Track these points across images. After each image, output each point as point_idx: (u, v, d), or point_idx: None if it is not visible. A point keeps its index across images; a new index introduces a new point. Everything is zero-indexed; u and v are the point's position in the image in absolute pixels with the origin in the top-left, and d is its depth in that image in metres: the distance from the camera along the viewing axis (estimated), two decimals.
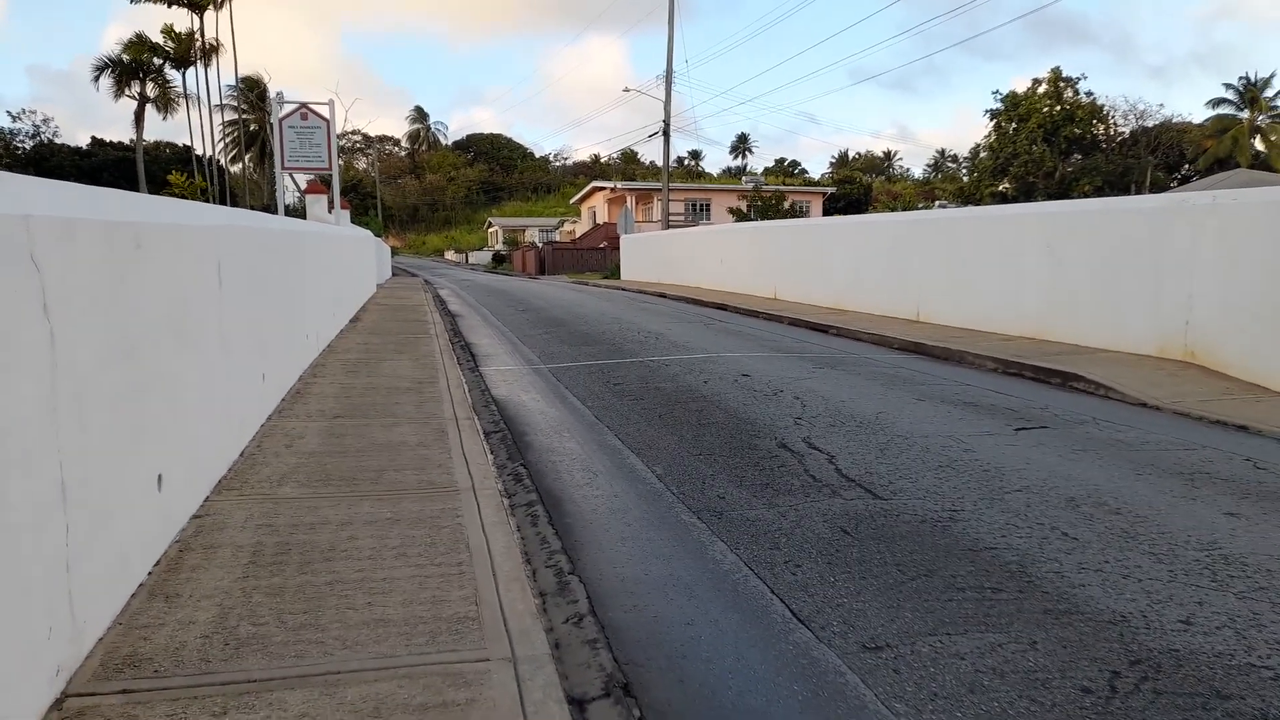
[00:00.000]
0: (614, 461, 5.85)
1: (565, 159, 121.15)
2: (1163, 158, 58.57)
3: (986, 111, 60.17)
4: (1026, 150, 57.32)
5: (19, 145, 63.92)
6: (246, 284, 5.77)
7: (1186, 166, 57.84)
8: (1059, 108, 57.16)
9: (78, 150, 67.05)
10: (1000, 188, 60.26)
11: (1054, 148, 57.35)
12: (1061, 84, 57.84)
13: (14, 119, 66.80)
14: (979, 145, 65.05)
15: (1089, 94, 58.17)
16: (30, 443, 2.47)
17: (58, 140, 67.74)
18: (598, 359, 10.72)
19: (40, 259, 2.58)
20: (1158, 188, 52.99)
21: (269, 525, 4.16)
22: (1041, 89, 57.86)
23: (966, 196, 63.11)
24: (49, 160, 60.25)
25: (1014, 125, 58.63)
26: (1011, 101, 58.77)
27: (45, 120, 72.89)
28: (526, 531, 4.39)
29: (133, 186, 46.80)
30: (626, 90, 40.33)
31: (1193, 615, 3.34)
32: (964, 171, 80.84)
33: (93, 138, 70.23)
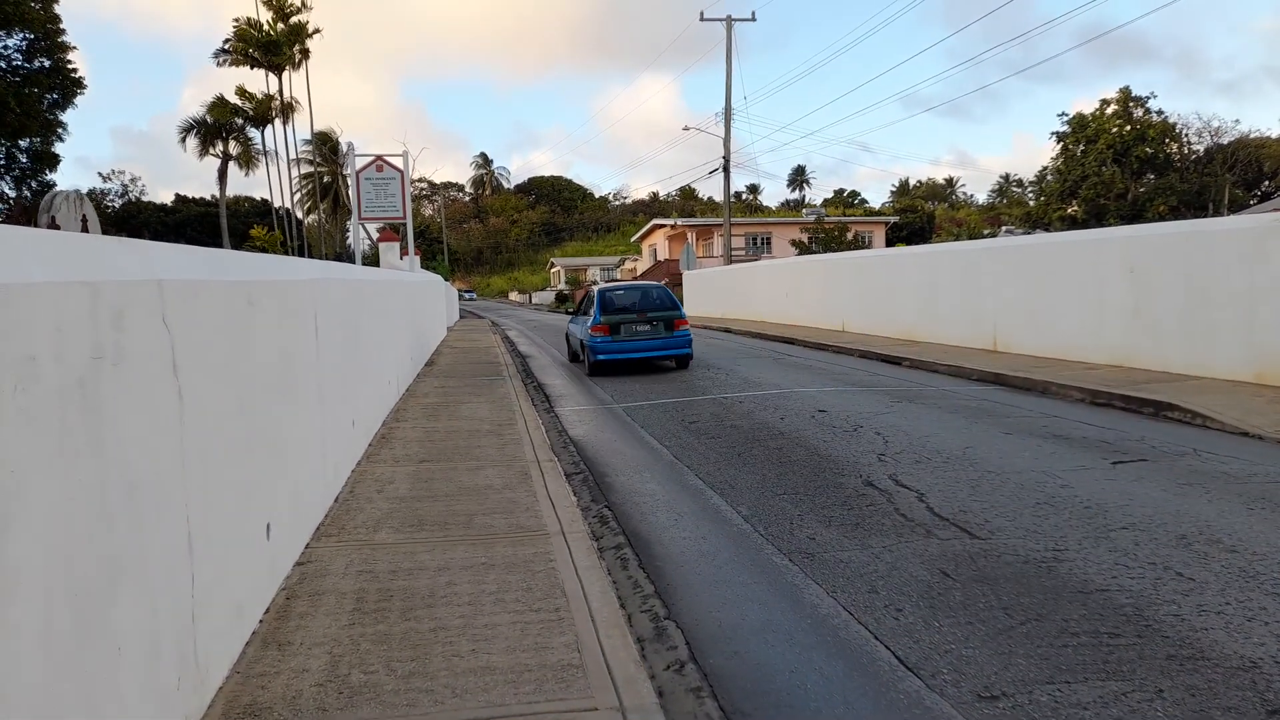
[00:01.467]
0: (697, 502, 5.83)
1: (624, 198, 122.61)
2: (1240, 174, 56.51)
3: (1052, 134, 58.92)
4: (1096, 172, 55.92)
5: (109, 204, 67.47)
6: (339, 334, 5.96)
7: (1266, 183, 55.68)
8: (1129, 128, 55.73)
9: (162, 207, 70.38)
10: (1069, 211, 58.83)
11: (1125, 168, 55.85)
12: (1131, 103, 56.46)
13: (104, 179, 70.68)
14: (1045, 169, 63.75)
15: (1159, 112, 56.63)
16: (164, 497, 2.58)
17: (144, 198, 71.33)
18: (669, 397, 10.73)
19: (170, 320, 2.71)
20: (1236, 206, 51.08)
21: (369, 571, 4.24)
22: (1110, 109, 56.54)
23: (1034, 221, 61.72)
24: (136, 217, 63.36)
25: (1082, 147, 57.34)
26: (1079, 123, 57.51)
27: (133, 180, 76.96)
28: (618, 575, 4.39)
29: (215, 240, 48.90)
30: (686, 129, 40.89)
31: None
32: (1030, 195, 79.22)
33: (176, 194, 73.74)
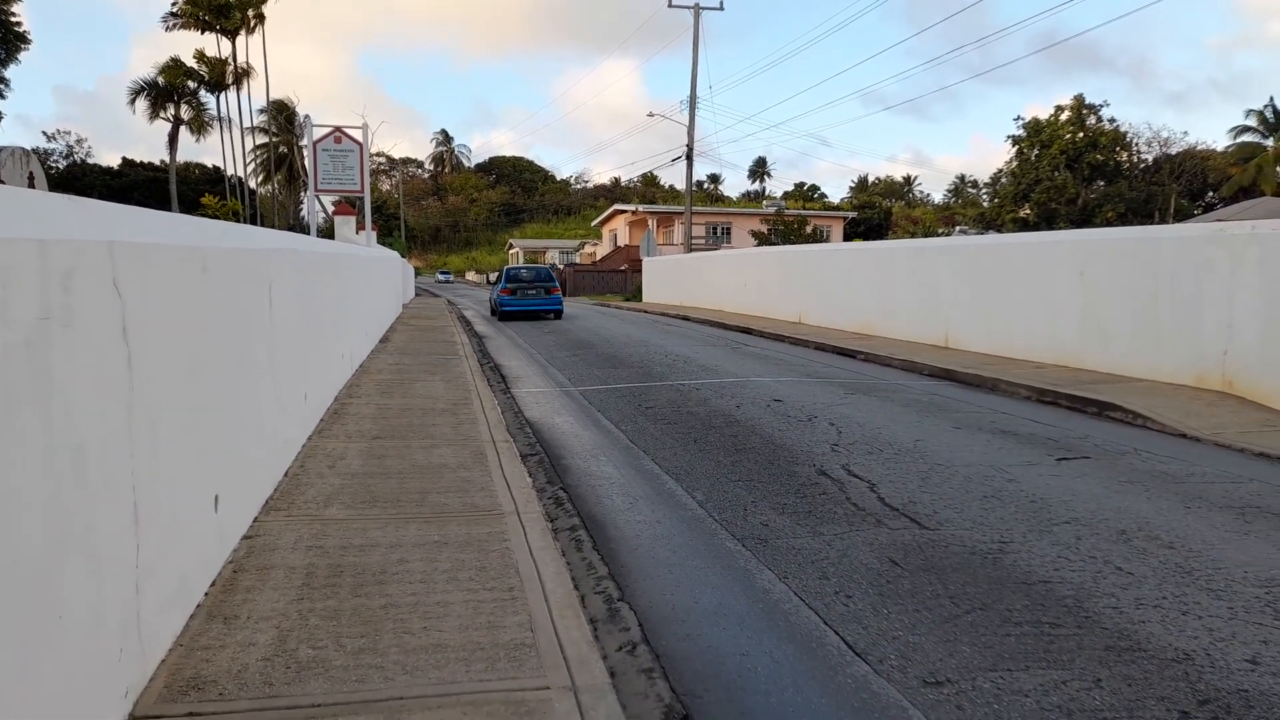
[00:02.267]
0: (653, 487, 5.84)
1: (586, 182, 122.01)
2: (1186, 185, 58.17)
3: (1008, 137, 59.96)
4: (1049, 176, 57.10)
5: (53, 165, 65.16)
6: (293, 305, 5.84)
7: (1210, 194, 57.36)
8: (1082, 134, 56.98)
9: (108, 170, 68.23)
10: (1022, 214, 60.02)
11: (1077, 174, 57.10)
12: (1085, 110, 57.71)
13: (49, 139, 68.28)
14: (1000, 171, 64.89)
15: (1112, 121, 57.98)
16: (111, 464, 2.51)
17: (90, 160, 69.08)
18: (627, 382, 10.73)
19: (122, 283, 2.63)
20: (1181, 215, 52.59)
21: (319, 547, 4.18)
22: (1064, 116, 57.71)
23: (988, 222, 62.88)
24: (81, 180, 61.34)
25: (1036, 151, 58.48)
26: (1034, 128, 58.62)
27: (79, 141, 74.45)
28: (573, 557, 4.38)
29: (164, 207, 47.53)
30: (651, 115, 40.67)
31: (1258, 654, 3.28)
32: (985, 197, 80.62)
33: (123, 158, 71.49)
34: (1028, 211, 60.33)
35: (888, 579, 4.08)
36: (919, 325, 14.85)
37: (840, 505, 5.27)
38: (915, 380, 10.95)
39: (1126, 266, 10.47)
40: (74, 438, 2.23)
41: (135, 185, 61.78)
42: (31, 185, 3.58)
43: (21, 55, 35.43)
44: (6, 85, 35.54)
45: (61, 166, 65.40)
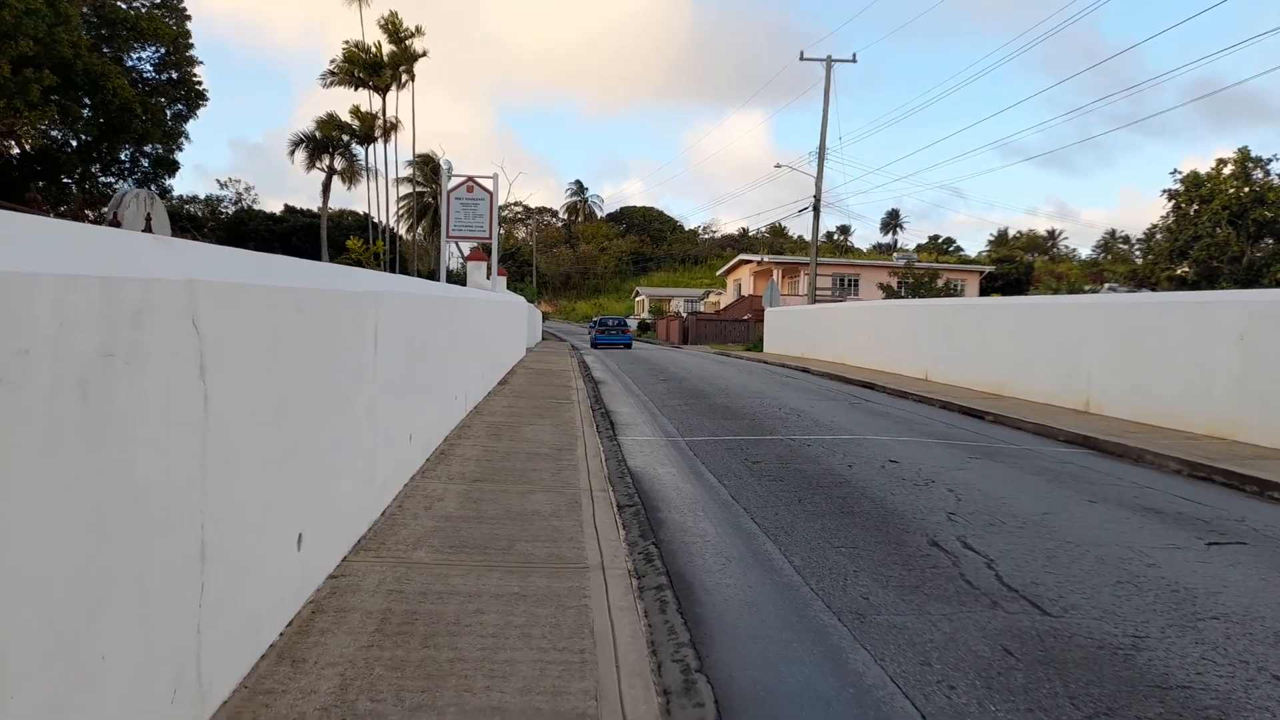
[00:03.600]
0: (749, 547, 5.57)
1: (713, 232, 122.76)
2: None
3: (1164, 191, 56.40)
4: (1209, 232, 53.23)
5: (224, 210, 71.07)
6: (402, 347, 5.95)
7: None
8: (1247, 189, 52.97)
9: (271, 216, 73.84)
10: (1179, 271, 56.11)
11: (1241, 231, 53.01)
12: (1249, 164, 53.69)
13: (221, 186, 74.64)
14: (1155, 226, 61.06)
15: None
16: (175, 503, 2.52)
17: (255, 207, 75.00)
18: (737, 434, 10.46)
19: (201, 323, 2.67)
20: None
21: (399, 592, 4.14)
22: (1227, 169, 53.89)
23: (1141, 280, 59.02)
24: (247, 225, 66.61)
25: (1195, 206, 54.73)
26: (1193, 181, 54.96)
27: (247, 189, 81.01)
28: (654, 618, 4.18)
29: (317, 249, 50.92)
30: (779, 166, 40.65)
31: None
32: (1137, 253, 75.94)
33: (285, 205, 77.28)
34: (1186, 269, 56.42)
35: (999, 670, 3.67)
36: (1056, 386, 13.90)
37: (952, 582, 4.84)
38: (1049, 446, 10.18)
39: None
40: (129, 477, 2.24)
41: (294, 231, 66.48)
42: (148, 228, 3.78)
43: (200, 111, 38.84)
44: (186, 138, 39.02)
45: (231, 212, 71.22)
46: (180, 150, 39.34)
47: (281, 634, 3.54)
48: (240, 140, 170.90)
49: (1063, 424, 11.35)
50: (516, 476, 7.05)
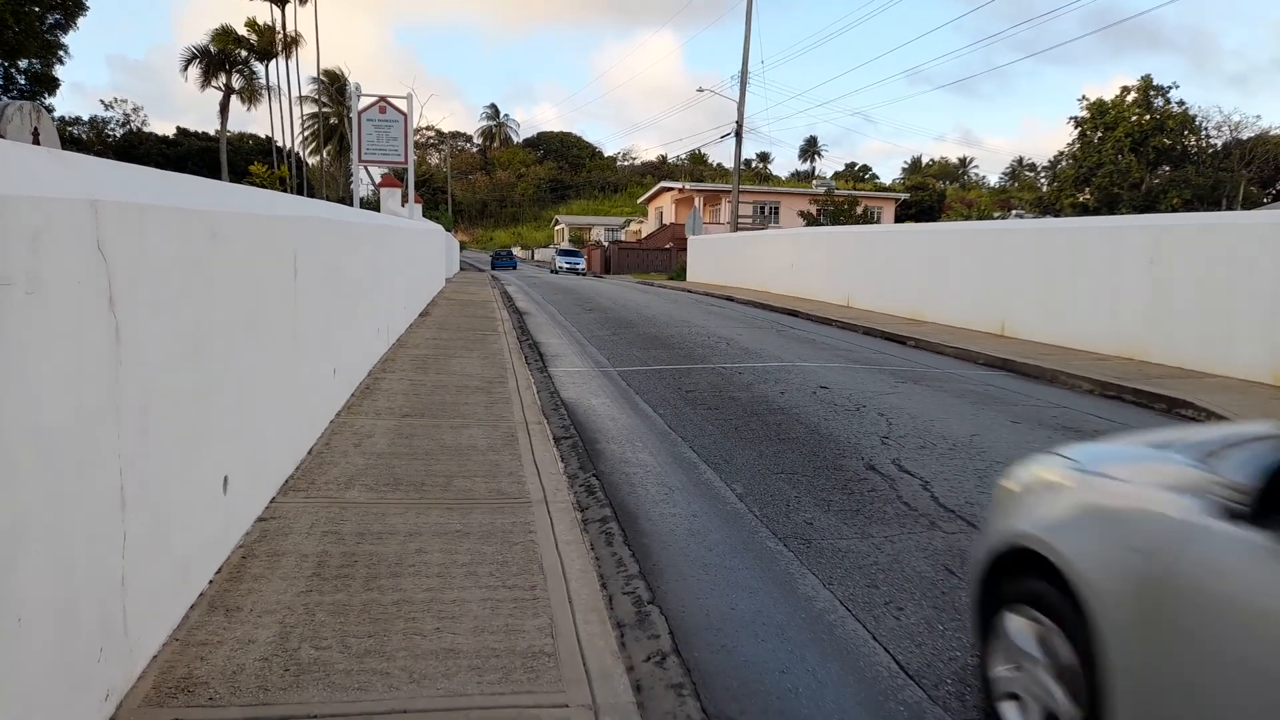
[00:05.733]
0: (690, 476, 5.54)
1: (632, 159, 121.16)
2: (1258, 172, 55.73)
3: (1071, 119, 57.96)
4: (1112, 160, 55.13)
5: (110, 133, 66.46)
6: (322, 277, 5.62)
7: None
8: (1148, 117, 54.82)
9: (164, 139, 69.44)
10: (1082, 198, 58.11)
11: (1141, 158, 55.05)
12: (1152, 92, 55.50)
13: (106, 107, 69.75)
14: (1061, 154, 62.86)
15: (1181, 103, 55.69)
16: (89, 448, 2.28)
17: (145, 129, 70.34)
18: (668, 364, 10.42)
19: (108, 247, 2.39)
20: (1251, 203, 50.45)
21: (335, 533, 3.96)
22: (1131, 97, 55.58)
23: (1045, 206, 60.95)
24: (137, 149, 62.44)
25: (1100, 134, 56.46)
26: (1098, 109, 56.56)
27: (135, 109, 75.86)
28: (601, 551, 4.11)
29: (215, 175, 48.18)
30: (701, 90, 40.14)
31: None
32: (1043, 180, 78.29)
33: (178, 127, 72.70)
34: (1088, 196, 58.44)
35: (943, 590, 3.74)
36: (974, 311, 14.29)
37: (891, 504, 4.92)
38: (969, 369, 10.47)
39: (1199, 255, 9.86)
40: (34, 418, 1.99)
41: (190, 154, 62.76)
42: (36, 142, 3.38)
43: (80, 21, 35.84)
44: (65, 51, 35.98)
45: (119, 134, 66.68)
46: (62, 65, 36.35)
47: (211, 581, 3.33)
48: (119, 56, 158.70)
49: (981, 347, 11.68)
50: (448, 410, 6.85)
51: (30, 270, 1.99)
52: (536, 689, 2.70)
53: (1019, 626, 2.38)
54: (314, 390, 5.50)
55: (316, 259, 5.43)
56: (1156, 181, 56.29)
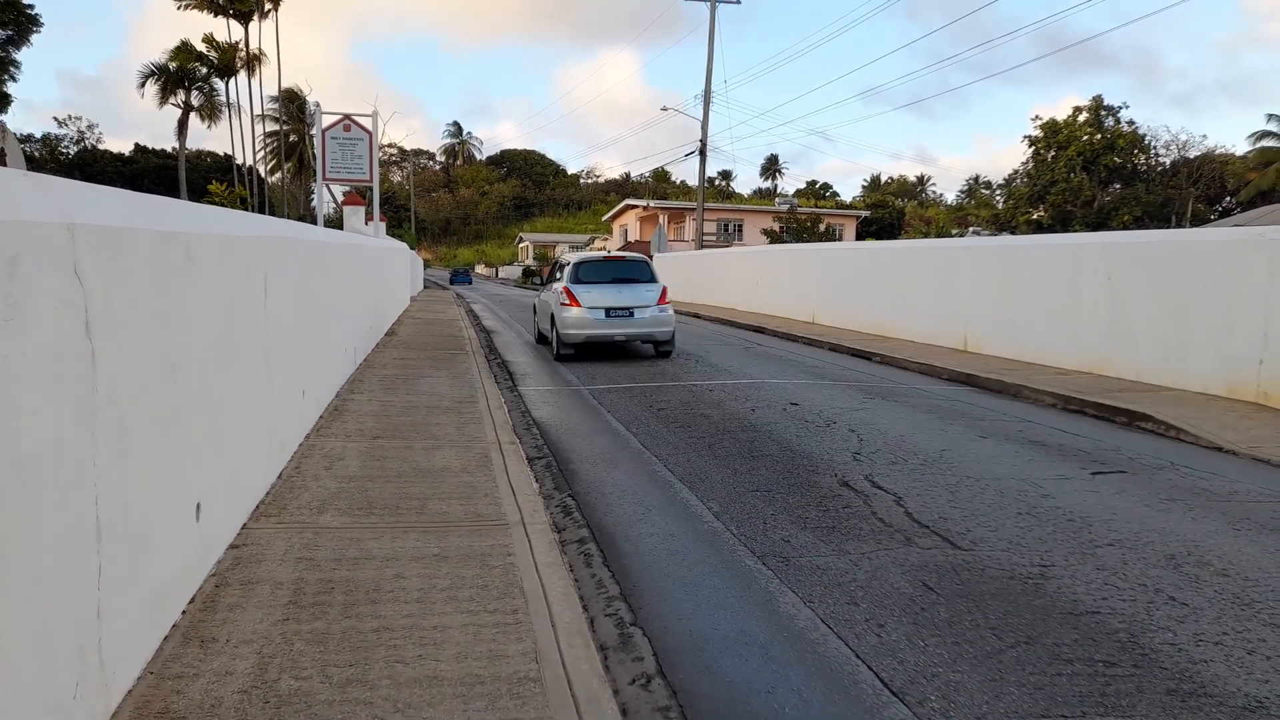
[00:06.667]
0: (666, 495, 5.54)
1: (596, 177, 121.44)
2: (1204, 190, 57.45)
3: (1025, 138, 59.28)
4: (1065, 178, 56.49)
5: (64, 150, 65.14)
6: (292, 297, 5.55)
7: (1228, 199, 56.65)
8: (1099, 136, 56.33)
9: (119, 157, 68.16)
10: (1036, 215, 59.41)
11: (1093, 176, 56.49)
12: (1103, 112, 57.07)
13: (60, 124, 68.32)
14: (1016, 172, 64.27)
15: (1131, 123, 57.31)
16: (66, 477, 2.22)
17: (100, 146, 69.03)
18: (638, 381, 10.43)
19: (84, 272, 2.34)
20: (1198, 220, 51.96)
21: (310, 559, 3.89)
22: (1082, 117, 57.07)
23: (1002, 224, 62.23)
24: (92, 166, 61.26)
25: (1052, 153, 57.86)
26: (1051, 128, 58.00)
27: (90, 126, 74.37)
28: (581, 573, 4.09)
29: (173, 194, 47.37)
30: (665, 109, 40.52)
31: None
32: (998, 198, 79.87)
33: (135, 144, 71.44)
34: (1043, 213, 59.75)
35: (922, 606, 3.77)
36: (937, 327, 14.50)
37: (866, 520, 4.96)
38: (935, 385, 10.61)
39: (1155, 271, 10.11)
40: (11, 449, 1.94)
41: (146, 172, 61.68)
42: (2, 163, 3.30)
43: (34, 37, 35.15)
44: (17, 68, 35.26)
45: (72, 152, 65.36)
46: (14, 81, 35.58)
47: (184, 612, 3.26)
48: (70, 72, 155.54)
49: (945, 363, 11.85)
50: (419, 431, 6.78)
51: (7, 297, 1.94)
52: (524, 715, 2.67)
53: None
54: (284, 413, 5.42)
55: (286, 279, 5.36)
56: (1108, 199, 57.76)
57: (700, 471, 6.09)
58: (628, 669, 3.16)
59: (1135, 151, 58.07)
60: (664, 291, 12.91)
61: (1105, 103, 57.16)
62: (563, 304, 12.38)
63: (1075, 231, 43.37)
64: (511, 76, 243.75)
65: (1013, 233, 55.00)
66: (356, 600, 3.47)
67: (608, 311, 12.35)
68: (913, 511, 5.11)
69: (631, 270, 13.19)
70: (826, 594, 3.92)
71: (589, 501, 5.36)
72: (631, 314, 12.44)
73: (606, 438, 7.28)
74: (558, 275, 13.80)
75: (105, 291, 2.48)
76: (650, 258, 37.62)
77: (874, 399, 9.25)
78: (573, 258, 13.66)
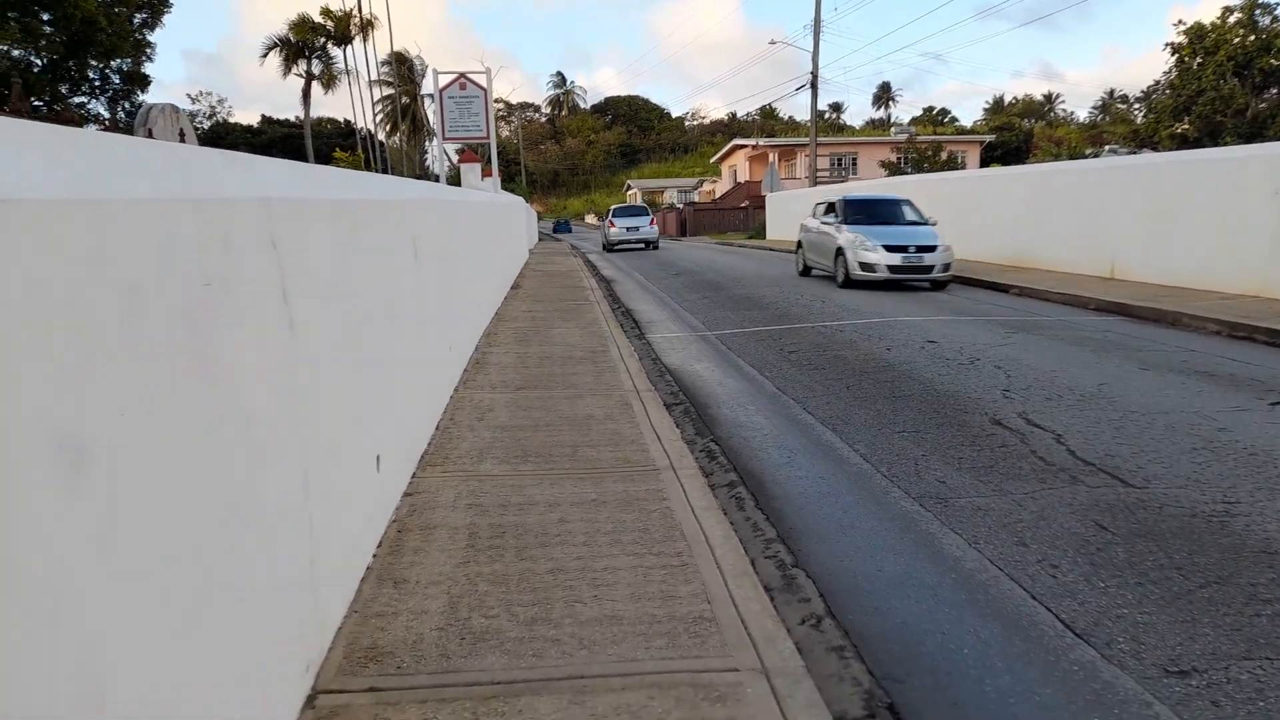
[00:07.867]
0: (809, 438, 5.51)
1: (701, 119, 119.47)
2: None
3: (1167, 44, 54.51)
4: (1214, 86, 51.75)
5: (199, 125, 68.97)
6: (436, 256, 5.74)
7: None
8: (1253, 38, 51.16)
9: (248, 128, 71.68)
10: (1181, 129, 54.83)
11: (1246, 83, 51.51)
12: (1258, 10, 51.71)
13: (193, 100, 72.25)
14: (1156, 83, 59.35)
15: None
16: (279, 436, 2.39)
17: (231, 120, 72.76)
18: (765, 324, 10.33)
19: (280, 244, 2.48)
20: None
21: (478, 505, 4.08)
22: (1234, 18, 51.92)
23: (1142, 140, 57.79)
24: (225, 139, 64.72)
25: (1199, 59, 53.00)
26: (1196, 33, 53.05)
27: (220, 101, 78.39)
28: (735, 516, 4.12)
29: (302, 160, 49.47)
30: (773, 43, 39.22)
31: None
32: (1137, 112, 74.12)
33: (263, 115, 75.01)
34: (1188, 127, 55.12)
35: (1097, 546, 3.64)
36: (1079, 254, 13.70)
37: (1025, 460, 4.79)
38: (1082, 316, 10.07)
39: None
40: (241, 414, 2.09)
41: (274, 142, 64.62)
42: (182, 142, 3.53)
43: (165, 18, 37.05)
44: (153, 49, 37.28)
45: (206, 126, 69.10)
46: (151, 62, 37.67)
47: (375, 555, 3.48)
48: (194, 51, 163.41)
49: (1091, 292, 11.22)
50: (559, 381, 6.95)
51: (223, 269, 2.08)
52: (704, 654, 2.74)
53: None
54: (436, 367, 5.65)
55: (430, 239, 5.54)
56: (1263, 106, 52.67)
57: (841, 414, 6.01)
58: (795, 609, 3.18)
59: None
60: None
61: (1260, 1, 51.73)
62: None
63: (1226, 144, 39.89)
64: (607, 24, 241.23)
65: (1154, 149, 51.06)
66: (528, 544, 3.62)
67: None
68: (1075, 449, 4.91)
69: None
70: (992, 535, 3.82)
71: (732, 446, 5.39)
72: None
73: (740, 382, 7.27)
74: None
75: (295, 260, 2.62)
76: (760, 196, 36.87)
77: (1018, 333, 8.87)
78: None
